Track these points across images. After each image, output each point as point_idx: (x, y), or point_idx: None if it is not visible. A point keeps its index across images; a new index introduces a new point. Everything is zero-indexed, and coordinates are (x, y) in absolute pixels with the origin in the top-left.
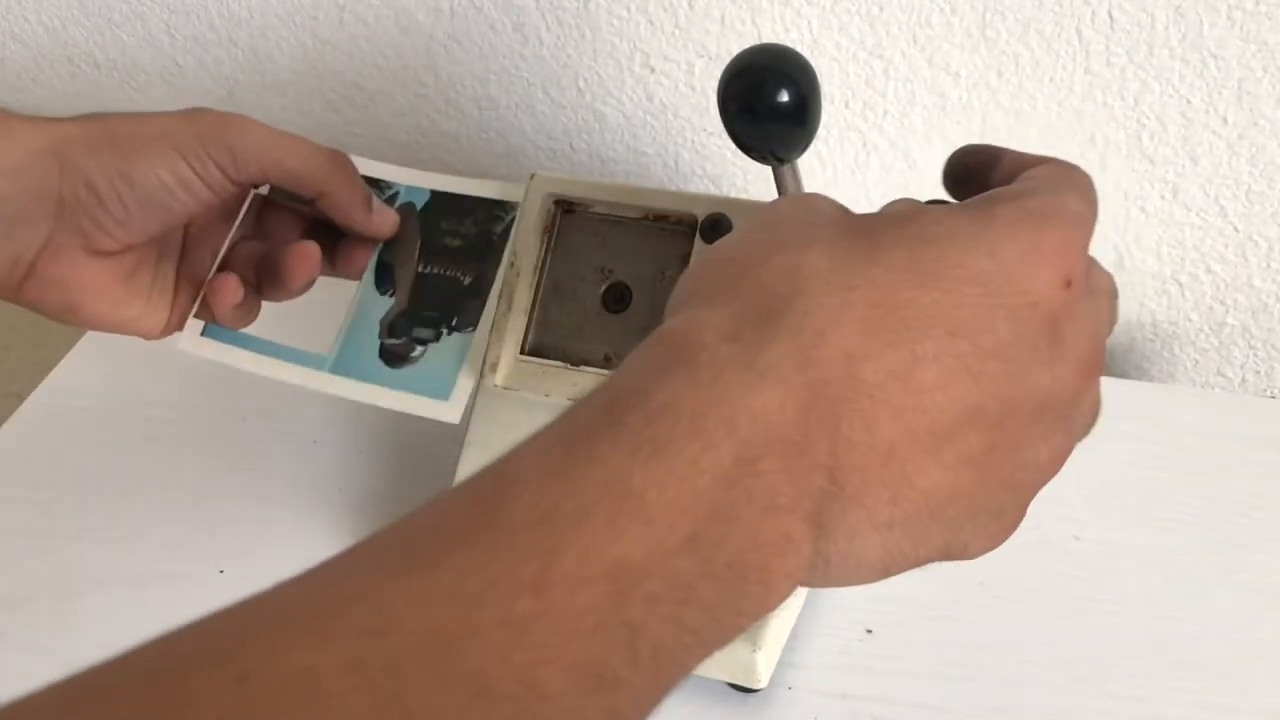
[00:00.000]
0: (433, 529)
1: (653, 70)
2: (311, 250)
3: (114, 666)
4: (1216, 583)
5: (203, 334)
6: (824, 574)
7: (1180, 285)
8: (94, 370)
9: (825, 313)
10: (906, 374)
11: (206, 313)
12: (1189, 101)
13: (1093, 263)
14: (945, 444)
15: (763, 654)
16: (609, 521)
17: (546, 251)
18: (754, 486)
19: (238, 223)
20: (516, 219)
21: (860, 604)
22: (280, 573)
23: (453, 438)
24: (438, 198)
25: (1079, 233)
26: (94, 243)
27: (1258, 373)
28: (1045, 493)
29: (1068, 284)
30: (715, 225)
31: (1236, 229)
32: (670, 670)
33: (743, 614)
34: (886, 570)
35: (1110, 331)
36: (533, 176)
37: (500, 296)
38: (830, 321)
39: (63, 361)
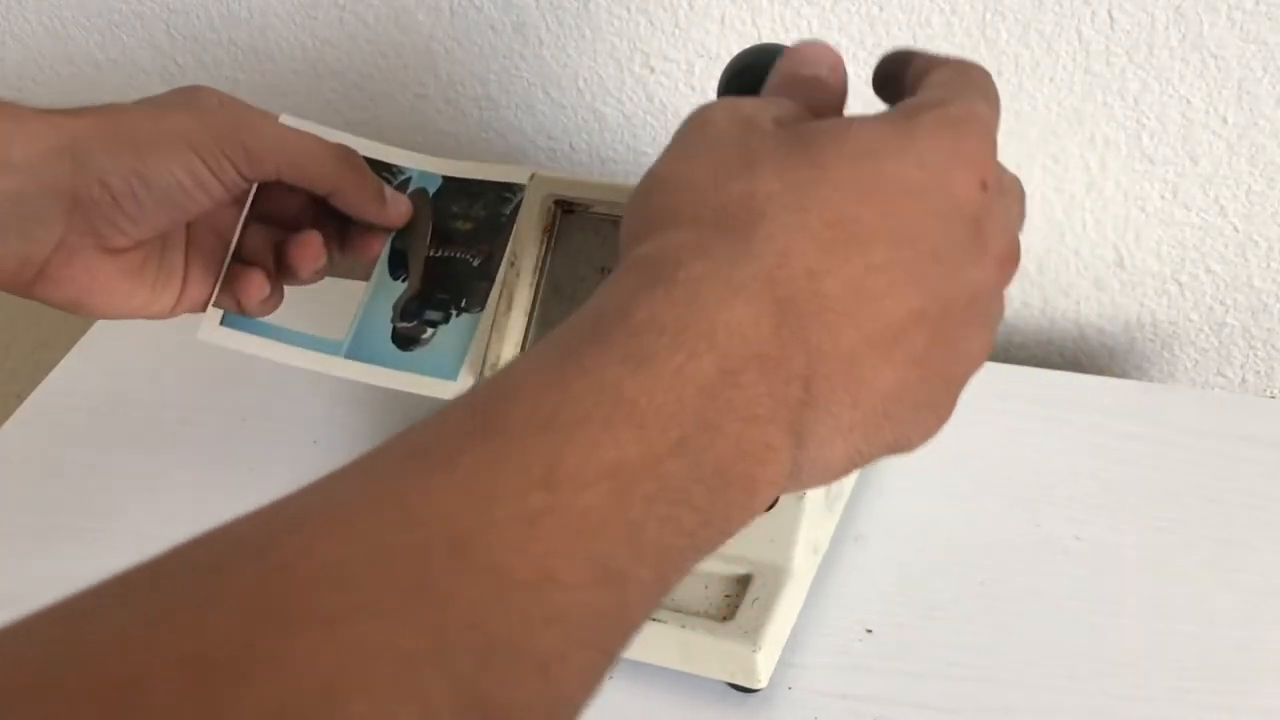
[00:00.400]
0: (439, 436)
1: (653, 70)
2: (314, 240)
3: (161, 562)
4: (1216, 583)
5: (221, 323)
6: (796, 481)
7: (1180, 285)
8: (94, 370)
9: (785, 235)
10: (860, 284)
11: (225, 301)
12: (1189, 101)
13: (1001, 165)
14: (895, 346)
15: (763, 654)
16: (605, 426)
17: (546, 251)
18: (735, 398)
19: (245, 211)
20: (519, 212)
21: (860, 604)
22: None
23: None
24: (449, 183)
25: (989, 137)
26: (106, 241)
27: (1258, 373)
28: (1045, 493)
29: (984, 186)
30: None
31: (1236, 229)
32: (670, 568)
33: (731, 520)
34: (845, 472)
35: (1020, 228)
36: (533, 176)
37: (500, 296)
38: (791, 243)
39: (63, 361)
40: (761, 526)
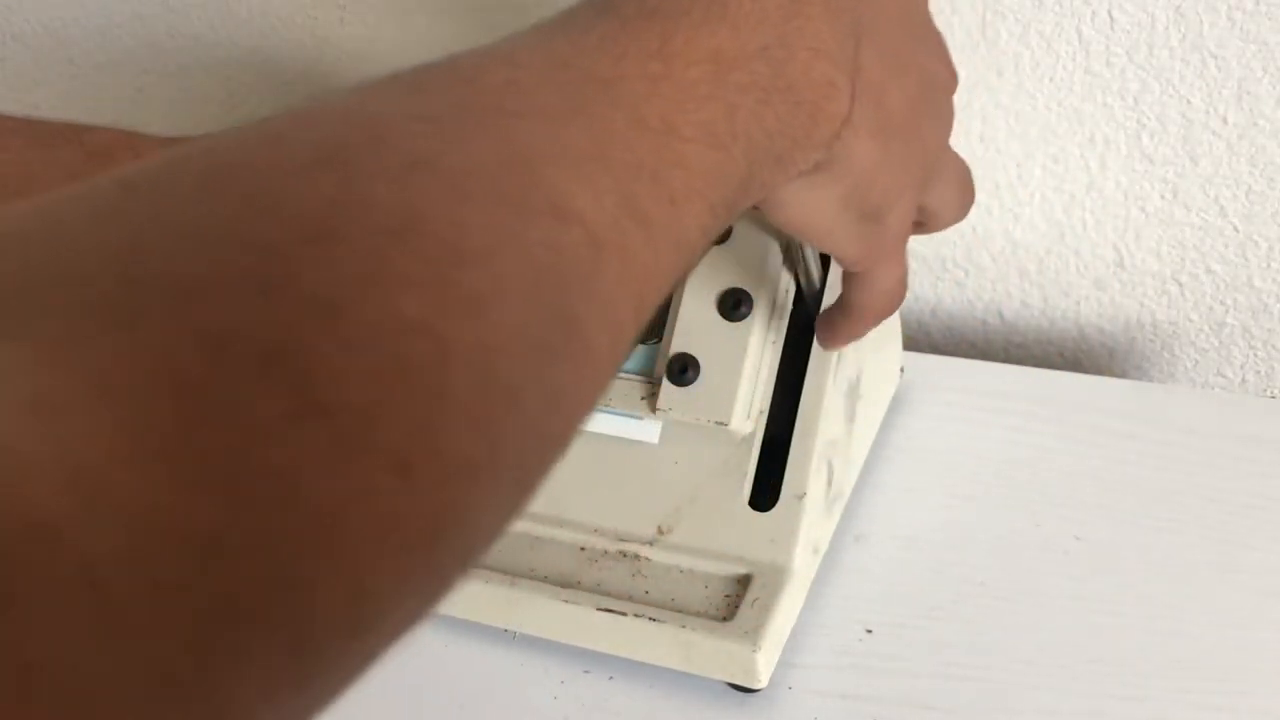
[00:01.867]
0: (568, 22)
1: None
2: None
3: (380, 87)
4: (1216, 583)
5: None
6: (830, 163)
7: (1180, 285)
8: None
9: None
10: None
11: None
12: (1189, 101)
13: None
14: (904, 74)
15: (763, 654)
16: (704, 19)
17: None
18: (804, 26)
19: None
20: None
21: (860, 604)
22: None
23: None
24: None
25: None
26: None
27: (1258, 373)
28: (1045, 493)
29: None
30: None
31: (1236, 229)
32: (755, 159)
33: (798, 143)
34: (861, 182)
35: None
36: None
37: None
38: None
39: None
40: (761, 526)
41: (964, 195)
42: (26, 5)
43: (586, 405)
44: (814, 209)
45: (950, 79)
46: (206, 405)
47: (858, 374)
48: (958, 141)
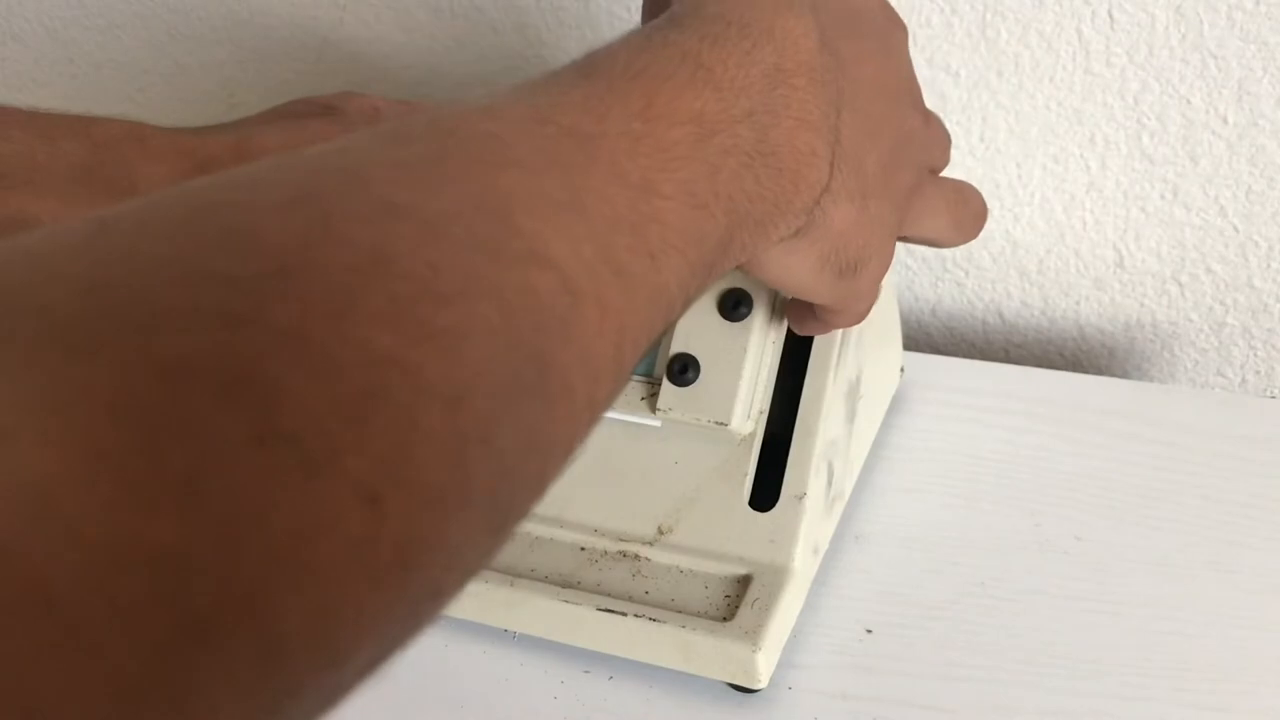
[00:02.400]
0: (553, 82)
1: None
2: None
3: (361, 137)
4: (1216, 583)
5: None
6: (811, 226)
7: (1180, 285)
8: None
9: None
10: (860, 60)
11: None
12: (1189, 101)
13: None
14: (878, 137)
15: (763, 654)
16: (689, 82)
17: None
18: (790, 96)
19: None
20: None
21: (860, 604)
22: None
23: None
24: None
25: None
26: None
27: (1258, 373)
28: (1045, 493)
29: (906, 33)
30: None
31: (1236, 229)
32: (736, 221)
33: (778, 209)
34: (835, 247)
35: None
36: None
37: None
38: (815, 4)
39: None
40: (761, 526)
41: (957, 219)
42: (26, 5)
43: (563, 448)
44: (794, 269)
45: (922, 124)
46: (164, 427)
47: (858, 374)
48: (957, 141)
